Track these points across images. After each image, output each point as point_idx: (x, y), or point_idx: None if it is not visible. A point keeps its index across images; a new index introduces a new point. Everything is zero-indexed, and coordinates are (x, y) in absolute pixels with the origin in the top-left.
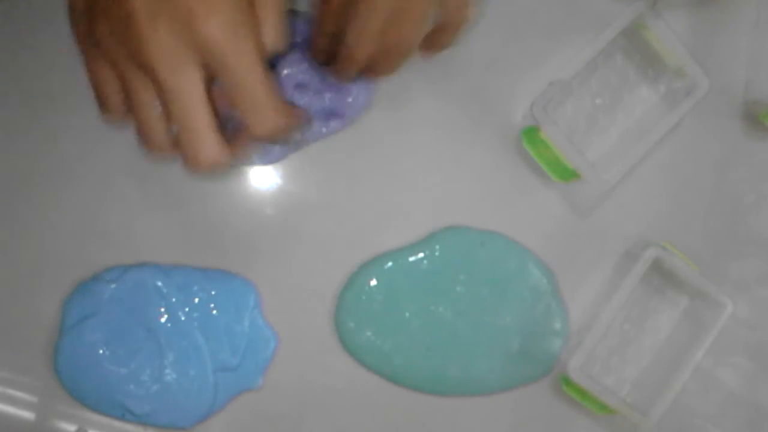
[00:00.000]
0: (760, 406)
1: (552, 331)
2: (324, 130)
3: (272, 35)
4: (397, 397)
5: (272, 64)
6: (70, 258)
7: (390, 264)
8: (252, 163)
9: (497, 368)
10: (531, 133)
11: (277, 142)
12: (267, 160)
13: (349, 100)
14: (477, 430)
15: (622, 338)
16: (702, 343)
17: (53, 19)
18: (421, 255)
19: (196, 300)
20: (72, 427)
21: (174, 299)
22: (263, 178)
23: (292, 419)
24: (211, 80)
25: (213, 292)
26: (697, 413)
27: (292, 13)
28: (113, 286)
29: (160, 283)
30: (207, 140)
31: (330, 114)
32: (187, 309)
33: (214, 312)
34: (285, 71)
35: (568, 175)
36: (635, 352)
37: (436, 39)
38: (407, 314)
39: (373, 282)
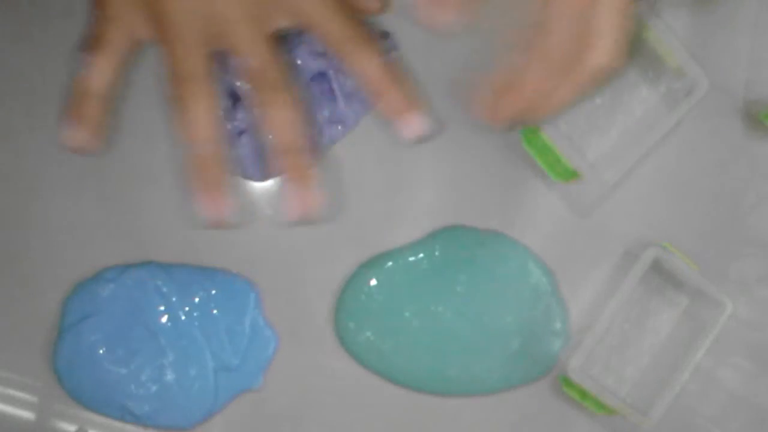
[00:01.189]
0: (760, 406)
1: (552, 331)
2: (327, 135)
3: None
4: (397, 397)
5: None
6: (69, 257)
7: (390, 264)
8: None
9: (497, 368)
10: (531, 133)
11: None
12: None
13: (350, 111)
14: (477, 430)
15: (622, 338)
16: (702, 343)
17: (54, 18)
18: (421, 255)
19: (197, 299)
20: (72, 427)
21: (174, 299)
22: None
23: (292, 419)
24: None
25: (213, 292)
26: (698, 413)
27: None
28: (113, 285)
29: (160, 283)
30: None
31: (332, 123)
32: (187, 308)
33: (215, 312)
34: None
35: (568, 175)
36: (635, 352)
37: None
38: (407, 314)
39: (373, 282)
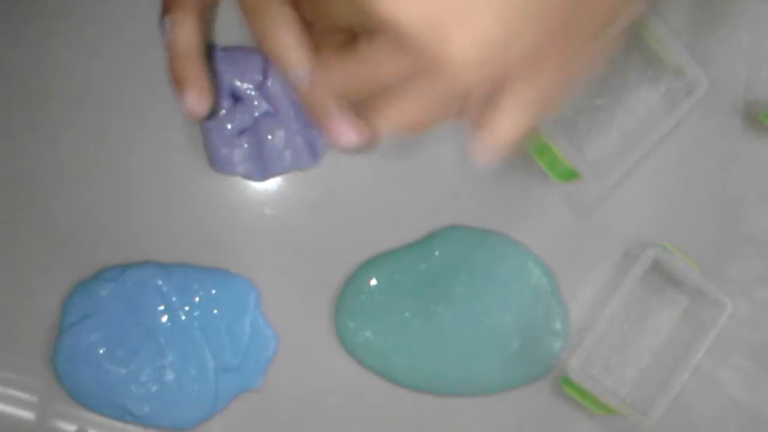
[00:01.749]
0: (760, 406)
1: (552, 331)
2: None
3: None
4: (397, 397)
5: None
6: (69, 257)
7: (390, 264)
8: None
9: (497, 368)
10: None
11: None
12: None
13: None
14: (477, 430)
15: (622, 338)
16: (702, 343)
17: (54, 18)
18: (420, 255)
19: (197, 299)
20: (72, 427)
21: (174, 298)
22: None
23: (292, 419)
24: None
25: (213, 292)
26: (697, 413)
27: None
28: (112, 285)
29: (160, 282)
30: None
31: None
32: (187, 308)
33: (215, 311)
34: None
35: (568, 175)
36: (635, 352)
37: None
38: (407, 314)
39: (373, 282)
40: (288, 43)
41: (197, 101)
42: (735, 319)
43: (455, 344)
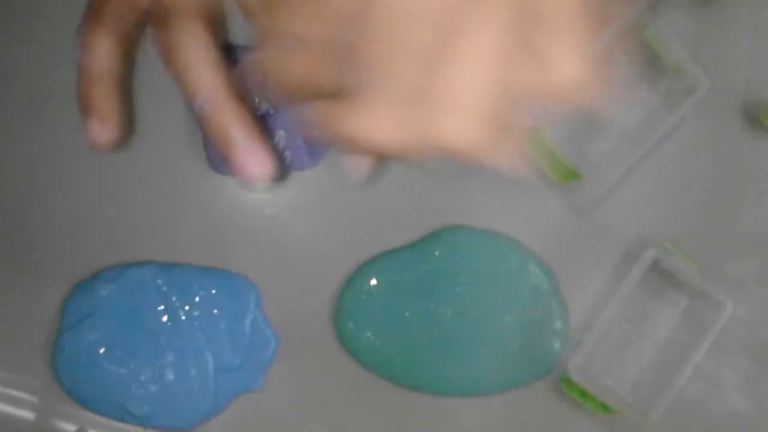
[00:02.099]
0: (760, 406)
1: (552, 331)
2: None
3: None
4: (397, 397)
5: None
6: (69, 257)
7: (390, 264)
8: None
9: (497, 368)
10: (531, 132)
11: None
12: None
13: None
14: (477, 430)
15: (622, 338)
16: (702, 343)
17: (54, 18)
18: (421, 255)
19: (197, 299)
20: (72, 427)
21: (174, 298)
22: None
23: (292, 419)
24: None
25: (213, 292)
26: (697, 413)
27: None
28: (112, 285)
29: (160, 282)
30: None
31: None
32: (187, 308)
33: (215, 311)
34: None
35: (568, 175)
36: (635, 352)
37: None
38: (407, 314)
39: (373, 282)
40: (194, 62)
41: (99, 131)
42: (735, 319)
43: (455, 344)
